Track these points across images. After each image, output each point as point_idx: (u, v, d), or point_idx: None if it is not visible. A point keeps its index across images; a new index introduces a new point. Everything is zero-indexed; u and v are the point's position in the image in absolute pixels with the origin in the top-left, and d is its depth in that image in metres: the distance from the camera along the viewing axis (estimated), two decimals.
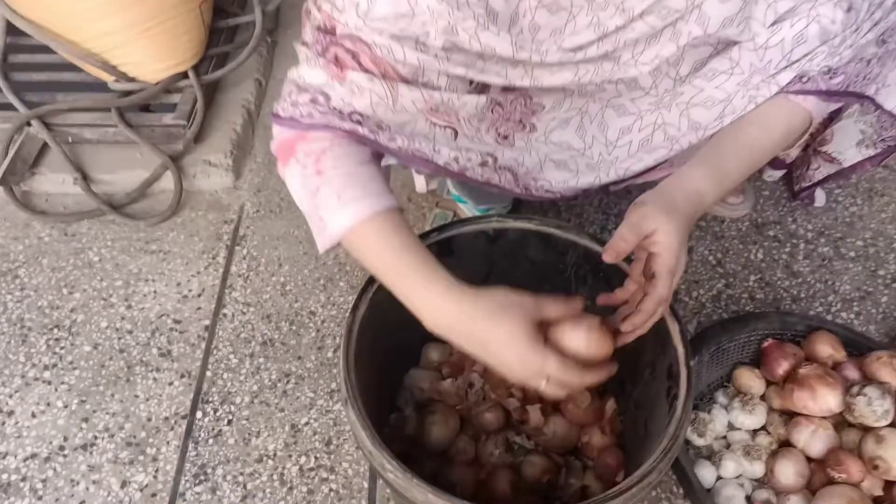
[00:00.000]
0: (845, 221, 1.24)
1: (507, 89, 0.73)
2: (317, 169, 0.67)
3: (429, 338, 0.99)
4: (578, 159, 0.80)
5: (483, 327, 0.62)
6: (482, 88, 0.71)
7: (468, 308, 0.62)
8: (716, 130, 0.75)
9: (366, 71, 0.65)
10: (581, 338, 0.63)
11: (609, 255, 0.65)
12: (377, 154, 0.73)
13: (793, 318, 0.97)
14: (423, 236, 0.83)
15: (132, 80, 1.32)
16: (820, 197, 1.27)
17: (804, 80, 0.72)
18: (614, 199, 1.27)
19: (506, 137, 0.77)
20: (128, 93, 1.32)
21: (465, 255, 0.86)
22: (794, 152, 1.22)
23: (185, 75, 1.34)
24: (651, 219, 0.64)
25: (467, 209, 1.20)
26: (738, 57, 0.73)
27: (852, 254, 1.20)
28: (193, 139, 1.31)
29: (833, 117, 1.14)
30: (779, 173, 1.27)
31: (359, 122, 0.68)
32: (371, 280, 0.81)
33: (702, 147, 0.76)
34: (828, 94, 0.73)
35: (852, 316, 1.12)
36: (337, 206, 0.66)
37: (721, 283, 1.16)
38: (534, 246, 0.86)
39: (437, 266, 0.66)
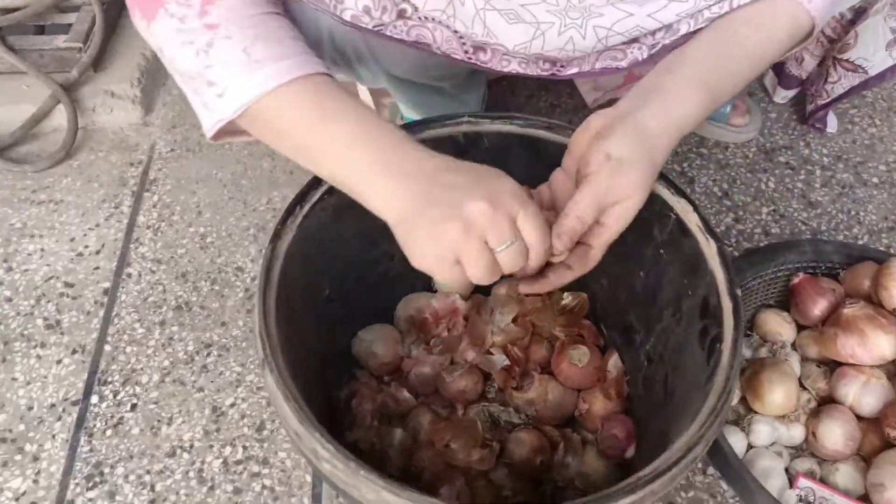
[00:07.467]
0: (864, 144, 1.08)
1: None
2: (205, 22, 0.50)
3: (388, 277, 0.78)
4: (534, 7, 0.58)
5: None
6: None
7: (442, 161, 0.50)
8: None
9: None
10: None
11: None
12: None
13: (828, 247, 0.80)
14: None
15: None
16: (832, 122, 1.10)
17: None
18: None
19: None
20: (9, 10, 1.07)
21: None
22: (810, 65, 1.04)
23: None
24: (625, 176, 0.50)
25: None
26: None
27: (875, 180, 1.03)
28: (92, 65, 1.07)
29: (855, 18, 0.97)
30: (791, 93, 1.10)
31: None
32: (301, 197, 0.59)
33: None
34: None
35: (882, 250, 0.95)
36: (245, 65, 0.50)
37: (730, 216, 0.98)
38: (517, 156, 0.66)
39: (393, 126, 0.51)
